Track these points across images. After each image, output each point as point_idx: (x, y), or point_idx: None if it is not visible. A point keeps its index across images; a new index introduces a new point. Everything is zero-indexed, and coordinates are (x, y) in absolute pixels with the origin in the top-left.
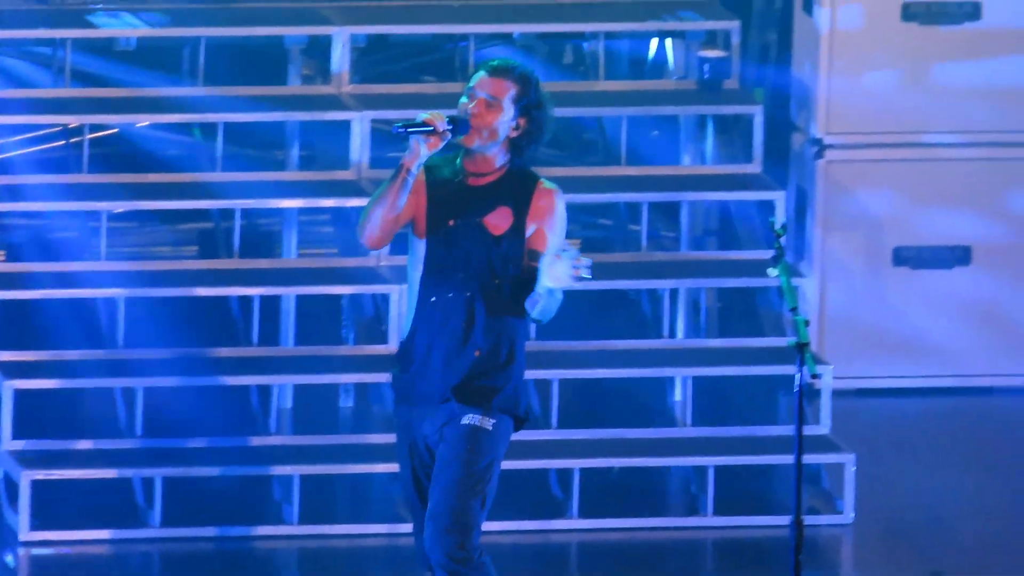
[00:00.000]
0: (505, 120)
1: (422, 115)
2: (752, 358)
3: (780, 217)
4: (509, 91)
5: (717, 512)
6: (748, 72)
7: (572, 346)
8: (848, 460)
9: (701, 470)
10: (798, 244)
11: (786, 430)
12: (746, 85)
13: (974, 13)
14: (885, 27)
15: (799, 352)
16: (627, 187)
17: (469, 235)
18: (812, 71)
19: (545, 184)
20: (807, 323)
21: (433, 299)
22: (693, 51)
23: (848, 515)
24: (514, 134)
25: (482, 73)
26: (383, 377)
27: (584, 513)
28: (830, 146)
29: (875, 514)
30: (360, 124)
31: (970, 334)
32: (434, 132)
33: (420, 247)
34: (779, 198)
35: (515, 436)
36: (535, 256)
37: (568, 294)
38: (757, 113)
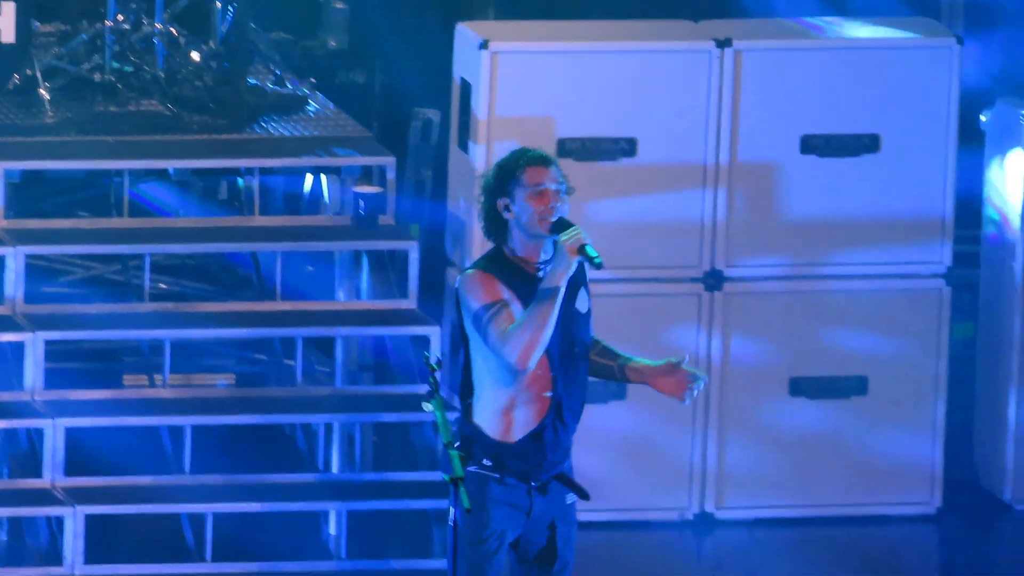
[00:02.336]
0: None
1: (588, 241)
2: (407, 492)
3: (435, 352)
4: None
5: None
6: (404, 208)
7: (227, 480)
8: None
9: None
10: (453, 379)
11: (441, 564)
12: (402, 221)
13: (630, 149)
14: None
15: (453, 486)
16: (282, 322)
17: (574, 325)
18: (467, 207)
19: None
20: (462, 457)
21: (554, 394)
22: (348, 186)
23: None
24: None
25: (547, 167)
26: (37, 510)
27: None
28: None
29: None
30: (15, 259)
31: (625, 468)
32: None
33: None
34: (434, 333)
35: None
36: None
37: (223, 428)
38: (412, 249)
